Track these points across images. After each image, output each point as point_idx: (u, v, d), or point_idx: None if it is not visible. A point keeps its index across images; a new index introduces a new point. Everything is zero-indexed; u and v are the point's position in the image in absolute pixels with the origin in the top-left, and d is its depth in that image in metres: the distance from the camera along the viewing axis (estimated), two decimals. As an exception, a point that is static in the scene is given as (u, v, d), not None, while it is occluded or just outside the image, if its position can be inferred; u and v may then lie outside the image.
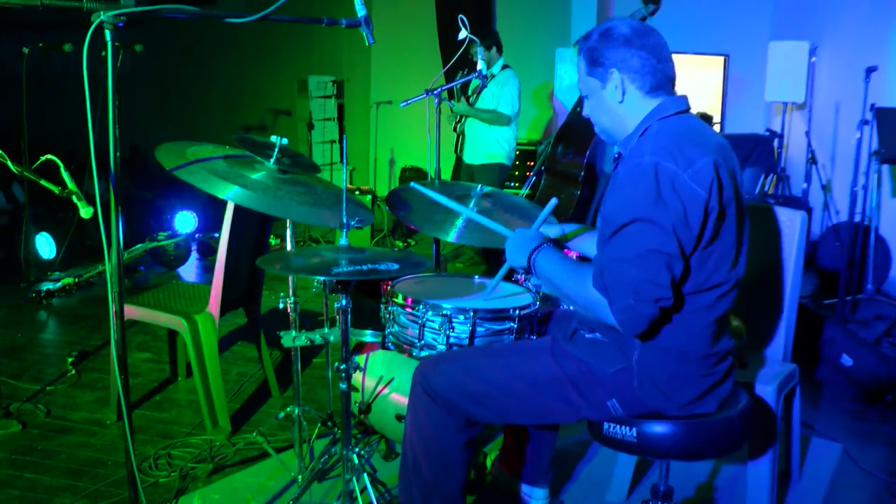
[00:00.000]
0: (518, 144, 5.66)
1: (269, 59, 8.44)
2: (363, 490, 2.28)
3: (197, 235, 5.78)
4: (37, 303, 4.67)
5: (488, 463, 2.62)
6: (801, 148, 5.86)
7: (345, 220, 2.15)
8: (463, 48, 3.54)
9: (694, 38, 6.26)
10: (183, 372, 3.57)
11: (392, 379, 2.40)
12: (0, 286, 4.93)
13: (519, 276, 2.49)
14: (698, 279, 1.73)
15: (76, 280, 4.81)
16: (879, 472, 2.83)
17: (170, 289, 3.33)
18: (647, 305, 1.64)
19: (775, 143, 5.99)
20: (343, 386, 2.19)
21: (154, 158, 2.31)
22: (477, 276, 2.63)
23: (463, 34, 3.23)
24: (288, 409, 2.72)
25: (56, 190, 2.45)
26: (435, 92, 3.18)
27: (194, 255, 5.96)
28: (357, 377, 2.45)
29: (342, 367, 2.18)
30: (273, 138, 2.41)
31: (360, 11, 1.94)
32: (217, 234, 3.17)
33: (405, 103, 3.30)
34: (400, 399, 2.34)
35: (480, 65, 3.55)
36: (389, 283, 2.43)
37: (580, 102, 4.73)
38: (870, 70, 4.46)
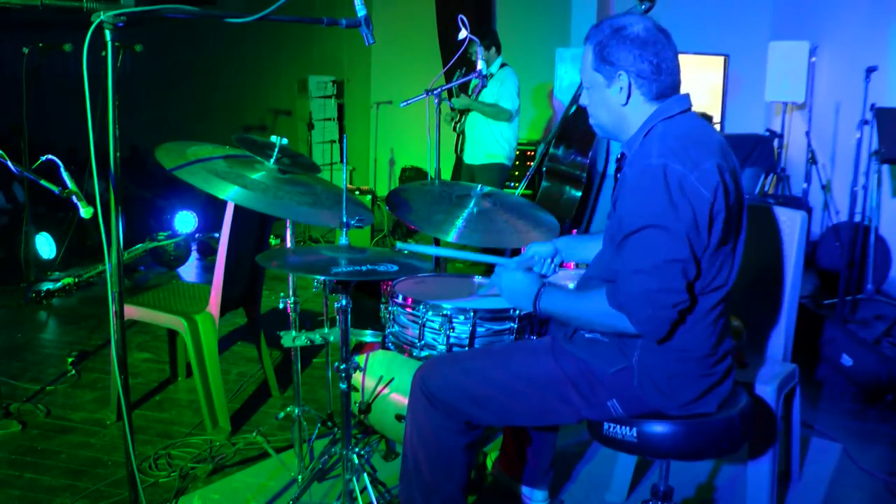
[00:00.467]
0: (518, 144, 5.66)
1: (269, 59, 8.44)
2: (363, 490, 2.28)
3: (197, 235, 5.77)
4: (37, 303, 4.67)
5: (488, 463, 2.62)
6: (801, 148, 5.86)
7: (345, 220, 2.15)
8: (463, 48, 3.54)
9: (694, 38, 6.25)
10: (183, 372, 3.57)
11: (392, 379, 2.40)
12: (0, 286, 4.93)
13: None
14: (704, 281, 1.73)
15: (76, 280, 4.81)
16: (879, 472, 2.83)
17: (170, 289, 3.33)
18: (667, 311, 1.66)
19: (775, 143, 5.99)
20: (343, 386, 2.19)
21: (154, 158, 2.31)
22: (477, 277, 2.63)
23: (463, 34, 3.23)
24: (288, 409, 2.72)
25: (56, 190, 2.44)
26: (435, 92, 3.18)
27: (194, 255, 5.96)
28: (357, 377, 2.45)
29: (342, 367, 2.18)
30: (273, 138, 2.41)
31: (360, 11, 1.94)
32: (217, 234, 3.17)
33: (405, 103, 3.30)
34: (400, 399, 2.34)
35: (480, 64, 3.55)
36: (389, 283, 2.43)
37: (576, 101, 4.72)
38: (870, 70, 4.46)
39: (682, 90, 1.84)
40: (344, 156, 2.52)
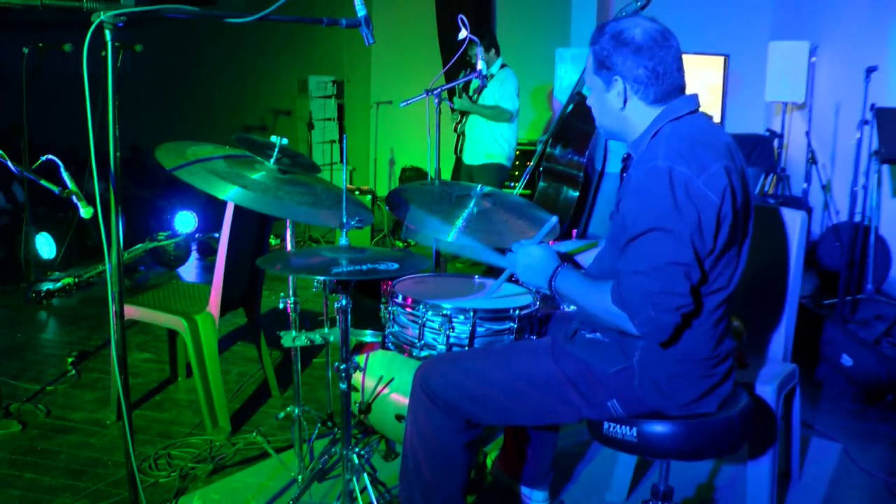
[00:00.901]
0: (518, 144, 5.66)
1: (269, 59, 8.44)
2: (363, 490, 2.28)
3: (197, 235, 5.78)
4: (37, 303, 4.67)
5: (488, 463, 2.62)
6: (801, 148, 5.86)
7: (345, 220, 2.15)
8: (463, 48, 3.54)
9: (694, 38, 6.24)
10: (183, 372, 3.57)
11: (392, 379, 2.40)
12: (0, 286, 4.93)
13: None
14: (707, 283, 1.73)
15: (76, 280, 4.81)
16: (879, 472, 2.83)
17: (170, 289, 3.33)
18: (668, 314, 1.65)
19: (775, 143, 5.99)
20: (343, 386, 2.19)
21: (154, 158, 2.31)
22: (477, 276, 2.63)
23: (463, 34, 3.23)
24: (288, 409, 2.72)
25: (56, 190, 2.44)
26: (435, 92, 3.18)
27: (194, 255, 5.96)
28: (357, 377, 2.45)
29: (342, 367, 2.18)
30: (273, 138, 2.41)
31: (360, 11, 1.94)
32: (217, 234, 3.17)
33: (405, 103, 3.30)
34: (400, 399, 2.34)
35: (480, 65, 3.55)
36: (389, 283, 2.43)
37: (573, 100, 4.73)
38: (870, 70, 4.46)
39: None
40: (344, 156, 2.52)
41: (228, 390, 3.40)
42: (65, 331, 4.30)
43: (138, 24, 1.86)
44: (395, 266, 2.01)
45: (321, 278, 2.16)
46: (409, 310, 2.28)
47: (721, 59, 6.65)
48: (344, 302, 2.12)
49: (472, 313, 2.19)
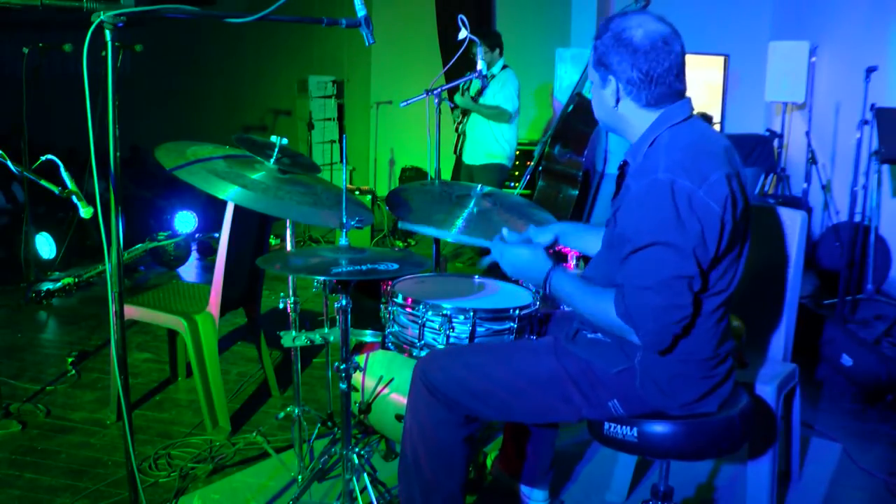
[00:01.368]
0: (519, 145, 5.66)
1: (269, 59, 8.44)
2: (363, 490, 2.28)
3: (197, 235, 5.78)
4: (37, 303, 4.67)
5: (488, 463, 2.62)
6: (801, 148, 5.86)
7: (345, 220, 2.15)
8: (463, 48, 3.54)
9: (694, 38, 6.23)
10: (183, 372, 3.57)
11: (392, 379, 2.40)
12: (0, 286, 4.93)
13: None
14: (707, 286, 1.73)
15: (76, 280, 4.81)
16: (879, 472, 2.83)
17: (170, 289, 3.33)
18: (671, 327, 1.68)
19: (775, 143, 5.99)
20: (343, 386, 2.19)
21: (154, 158, 2.31)
22: (477, 276, 2.63)
23: (463, 34, 3.23)
24: (288, 409, 2.72)
25: (56, 190, 2.44)
26: (435, 92, 3.18)
27: (194, 255, 5.96)
28: (357, 377, 2.45)
29: (342, 367, 2.18)
30: (273, 138, 2.40)
31: (360, 11, 1.94)
32: (217, 234, 3.17)
33: (405, 103, 3.30)
34: (400, 399, 2.34)
35: (481, 65, 3.55)
36: (389, 283, 2.43)
37: (573, 100, 4.73)
38: (870, 70, 4.46)
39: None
40: (344, 156, 2.52)
41: (228, 390, 3.40)
42: (65, 331, 4.30)
43: (138, 24, 1.86)
44: (395, 266, 2.01)
45: (321, 278, 2.16)
46: (409, 310, 2.28)
47: (721, 59, 6.65)
48: (344, 302, 2.12)
49: (472, 313, 2.19)
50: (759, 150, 5.90)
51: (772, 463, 2.39)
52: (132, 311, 3.07)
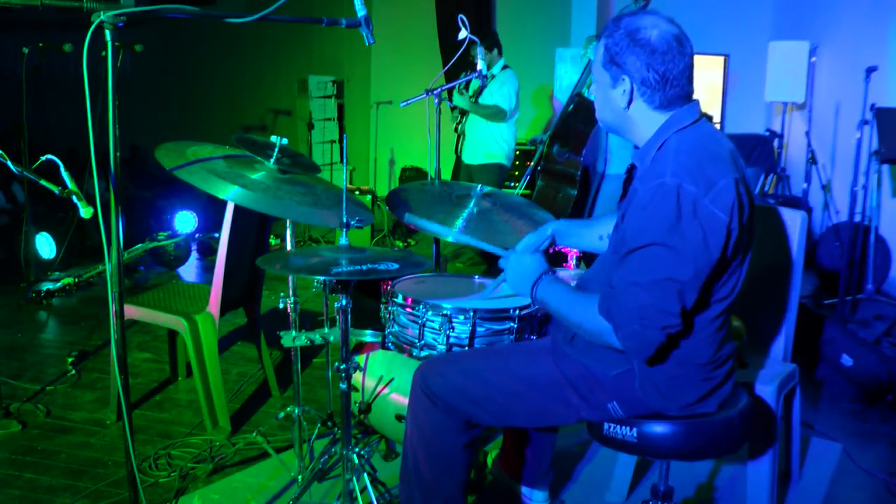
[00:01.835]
0: (518, 144, 5.66)
1: (269, 59, 8.45)
2: (363, 490, 2.28)
3: (197, 235, 5.78)
4: (37, 303, 4.67)
5: (488, 463, 2.62)
6: (801, 148, 5.86)
7: (345, 220, 2.15)
8: (463, 48, 3.54)
9: (694, 38, 6.23)
10: (183, 372, 3.57)
11: (392, 379, 2.40)
12: (0, 286, 4.94)
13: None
14: (708, 293, 1.72)
15: (76, 280, 4.82)
16: (879, 472, 2.83)
17: (170, 289, 3.33)
18: (654, 332, 1.63)
19: (775, 143, 5.99)
20: (343, 386, 2.19)
21: (154, 158, 2.31)
22: (477, 276, 2.63)
23: (463, 34, 3.23)
24: (288, 409, 2.72)
25: (56, 190, 2.44)
26: (435, 92, 3.18)
27: (194, 255, 5.96)
28: (357, 377, 2.45)
29: (342, 367, 2.18)
30: (273, 138, 2.40)
31: (360, 11, 1.94)
32: (217, 234, 3.17)
33: (405, 103, 3.30)
34: (400, 399, 2.34)
35: (480, 65, 3.55)
36: (389, 283, 2.43)
37: (573, 100, 4.73)
38: (870, 70, 4.46)
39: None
40: (344, 156, 2.52)
41: (228, 390, 3.40)
42: (65, 331, 4.30)
43: (138, 24, 1.86)
44: (395, 266, 2.01)
45: (321, 278, 2.16)
46: (409, 310, 2.29)
47: (721, 59, 6.66)
48: (344, 302, 2.12)
49: (472, 313, 2.20)
50: (759, 150, 5.90)
51: (772, 463, 2.39)
52: (132, 311, 3.07)
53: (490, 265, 5.85)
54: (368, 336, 2.49)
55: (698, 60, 1.79)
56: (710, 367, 1.79)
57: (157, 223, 5.77)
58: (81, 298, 4.86)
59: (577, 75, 5.00)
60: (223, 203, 2.65)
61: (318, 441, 2.92)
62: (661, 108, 1.74)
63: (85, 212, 2.37)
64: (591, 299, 1.73)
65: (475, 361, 1.99)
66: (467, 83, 5.50)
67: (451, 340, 2.21)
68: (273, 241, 5.61)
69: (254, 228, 3.16)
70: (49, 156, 2.43)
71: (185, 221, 5.75)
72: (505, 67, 5.25)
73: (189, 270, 5.71)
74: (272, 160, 2.37)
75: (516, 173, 6.96)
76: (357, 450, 2.23)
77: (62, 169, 2.39)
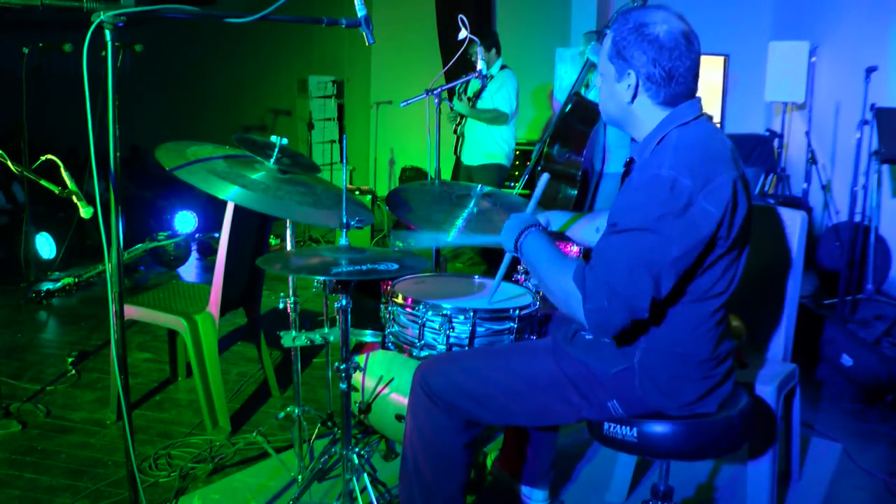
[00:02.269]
0: (518, 144, 5.66)
1: (269, 59, 8.45)
2: (363, 490, 2.28)
3: (197, 235, 5.78)
4: (37, 303, 4.67)
5: (488, 463, 2.62)
6: (801, 148, 5.86)
7: (345, 220, 2.15)
8: (463, 48, 3.54)
9: (694, 38, 6.24)
10: (183, 372, 3.57)
11: (392, 379, 2.40)
12: (0, 286, 4.94)
13: (519, 277, 2.49)
14: (704, 287, 1.72)
15: (76, 280, 4.82)
16: (879, 472, 2.83)
17: (170, 289, 3.33)
18: (620, 313, 1.62)
19: (775, 143, 5.99)
20: (343, 386, 2.19)
21: (154, 158, 2.31)
22: (477, 276, 2.63)
23: (463, 34, 3.23)
24: (288, 409, 2.72)
25: (56, 190, 2.45)
26: (435, 92, 3.18)
27: (194, 255, 5.96)
28: (357, 377, 2.45)
29: (342, 367, 2.18)
30: (273, 138, 2.40)
31: (360, 11, 1.94)
32: (217, 234, 3.17)
33: (405, 103, 3.30)
34: (400, 399, 2.34)
35: (480, 65, 3.55)
36: (389, 283, 2.43)
37: (571, 100, 4.73)
38: (870, 70, 4.46)
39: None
40: (344, 156, 2.52)
41: (228, 390, 3.40)
42: (65, 331, 4.30)
43: (138, 24, 1.86)
44: (395, 266, 2.01)
45: (321, 278, 2.16)
46: (409, 310, 2.29)
47: (721, 59, 6.66)
48: (344, 302, 2.12)
49: (472, 313, 2.20)
50: (759, 150, 5.90)
51: (772, 463, 2.39)
52: (132, 311, 3.07)
53: (490, 265, 5.85)
54: (368, 336, 2.49)
55: (698, 60, 1.79)
56: (710, 364, 1.79)
57: (157, 223, 5.77)
58: (81, 298, 4.86)
59: (577, 75, 5.00)
60: (223, 203, 2.65)
61: (318, 441, 2.92)
62: (664, 103, 1.74)
63: (85, 212, 2.37)
64: (569, 263, 1.72)
65: (476, 360, 1.99)
66: (467, 84, 5.50)
67: (451, 340, 2.21)
68: (273, 241, 5.61)
69: (254, 228, 3.16)
70: (49, 156, 2.43)
71: (185, 221, 5.75)
72: (503, 68, 5.25)
73: (189, 270, 5.71)
74: (272, 160, 2.37)
75: (516, 173, 6.96)
76: (357, 450, 2.23)
77: (62, 169, 2.39)
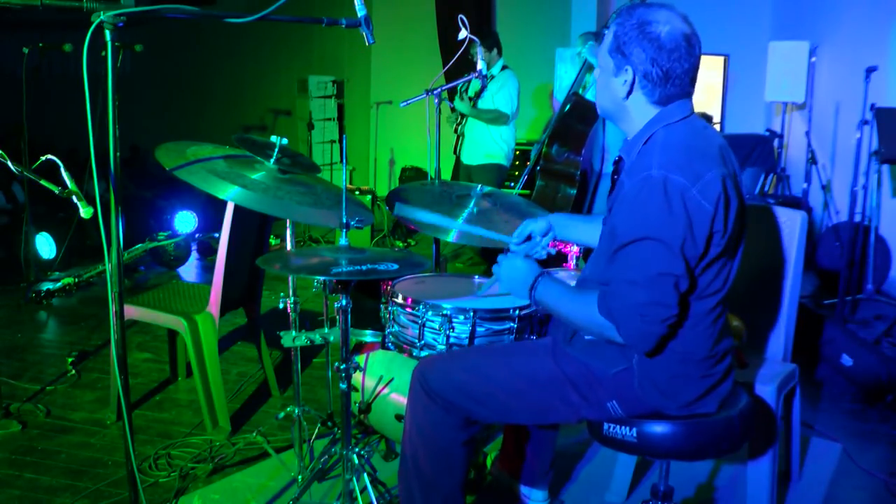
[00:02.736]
0: (517, 145, 5.66)
1: (269, 59, 8.45)
2: (363, 490, 2.28)
3: (197, 235, 5.78)
4: (37, 303, 4.67)
5: (488, 463, 2.62)
6: (801, 148, 5.86)
7: (345, 220, 2.15)
8: (463, 48, 3.55)
9: (694, 38, 6.25)
10: (183, 372, 3.57)
11: (392, 379, 2.40)
12: (0, 286, 4.93)
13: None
14: (701, 286, 1.72)
15: (76, 280, 4.81)
16: (879, 472, 2.83)
17: (170, 289, 3.33)
18: (655, 325, 1.65)
19: (775, 143, 5.99)
20: (343, 386, 2.19)
21: (154, 158, 2.31)
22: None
23: (463, 34, 3.23)
24: (288, 409, 2.72)
25: (56, 190, 2.44)
26: (435, 92, 3.18)
27: (194, 255, 5.96)
28: (357, 377, 2.45)
29: (342, 367, 2.18)
30: (273, 138, 2.41)
31: (360, 11, 1.94)
32: (217, 234, 3.17)
33: (405, 103, 3.30)
34: (400, 399, 2.34)
35: (480, 65, 3.55)
36: (389, 283, 2.43)
37: (570, 100, 4.73)
38: (870, 70, 4.46)
39: None
40: (344, 156, 2.52)
41: (228, 390, 3.40)
42: (65, 331, 4.30)
43: (138, 24, 1.86)
44: (395, 266, 2.01)
45: (321, 278, 2.16)
46: (409, 310, 2.29)
47: (721, 59, 6.65)
48: (344, 302, 2.12)
49: (472, 313, 2.20)
50: (759, 150, 5.90)
51: (772, 463, 2.39)
52: (132, 311, 3.07)
53: (490, 265, 5.84)
54: (368, 336, 2.50)
55: (698, 60, 1.79)
56: (709, 362, 1.79)
57: (157, 223, 5.77)
58: (81, 298, 4.86)
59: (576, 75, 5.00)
60: (223, 203, 2.65)
61: (318, 441, 2.92)
62: (657, 103, 1.74)
63: (85, 212, 2.37)
64: (590, 298, 1.73)
65: (475, 359, 1.99)
66: (467, 84, 5.50)
67: (451, 340, 2.21)
68: (273, 241, 5.61)
69: (254, 228, 3.16)
70: (49, 156, 2.43)
71: (185, 221, 5.75)
72: (504, 68, 5.25)
73: (189, 270, 5.71)
74: (272, 160, 2.37)
75: (516, 173, 6.96)
76: (357, 450, 2.24)
77: (62, 169, 2.39)
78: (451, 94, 5.63)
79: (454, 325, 2.20)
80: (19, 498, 2.55)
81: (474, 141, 5.32)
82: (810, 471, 2.83)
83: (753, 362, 2.52)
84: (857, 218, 4.58)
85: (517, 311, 2.23)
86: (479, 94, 5.26)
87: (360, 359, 2.51)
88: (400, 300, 2.32)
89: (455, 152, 5.61)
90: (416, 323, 2.26)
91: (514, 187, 6.77)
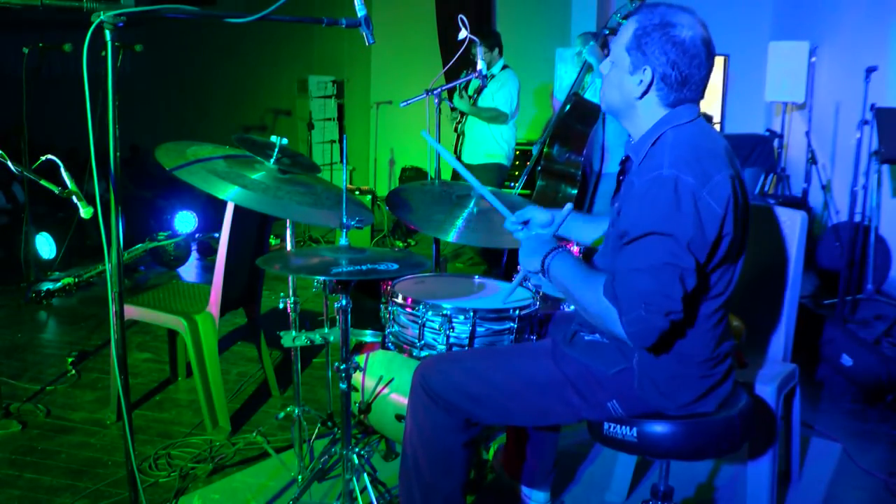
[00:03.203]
0: (517, 144, 5.66)
1: (269, 59, 8.45)
2: (363, 490, 2.28)
3: (197, 235, 5.78)
4: (37, 303, 4.67)
5: (489, 456, 2.61)
6: (801, 148, 5.86)
7: (345, 220, 2.15)
8: (463, 48, 3.54)
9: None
10: (183, 372, 3.57)
11: (392, 379, 2.40)
12: (0, 286, 4.93)
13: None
14: (704, 289, 1.72)
15: (76, 280, 4.82)
16: (879, 472, 2.83)
17: (170, 289, 3.33)
18: (658, 318, 1.62)
19: (775, 143, 5.99)
20: (343, 386, 2.19)
21: (154, 158, 2.31)
22: (477, 276, 2.63)
23: (463, 34, 3.23)
24: (288, 409, 2.72)
25: (56, 190, 2.44)
26: (435, 92, 3.18)
27: (194, 255, 5.96)
28: (357, 377, 2.45)
29: (342, 367, 2.18)
30: (273, 138, 2.41)
31: (360, 11, 1.94)
32: (217, 234, 3.17)
33: (405, 103, 3.30)
34: (400, 399, 2.34)
35: (481, 65, 3.55)
36: (389, 283, 2.43)
37: (570, 100, 4.73)
38: (870, 70, 4.46)
39: None
40: (344, 156, 2.52)
41: (228, 390, 3.40)
42: (65, 331, 4.30)
43: (138, 24, 1.86)
44: (395, 266, 2.01)
45: (321, 278, 2.16)
46: (409, 310, 2.29)
47: (721, 59, 6.65)
48: (344, 302, 2.12)
49: (472, 313, 2.20)
50: (759, 150, 5.90)
51: (772, 463, 2.39)
52: (132, 311, 3.07)
53: (490, 265, 5.85)
54: (368, 336, 2.50)
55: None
56: (709, 364, 1.79)
57: (157, 223, 5.77)
58: (81, 298, 4.86)
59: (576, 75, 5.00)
60: (223, 203, 2.65)
61: (318, 441, 2.92)
62: (668, 105, 1.74)
63: (85, 212, 2.37)
64: (599, 280, 1.72)
65: (476, 360, 1.99)
66: (467, 83, 5.49)
67: (451, 340, 2.21)
68: (273, 241, 5.61)
69: (254, 228, 3.16)
70: (49, 156, 2.43)
71: (185, 221, 5.75)
72: (505, 67, 5.25)
73: (189, 270, 5.71)
74: (272, 160, 2.37)
75: (516, 173, 6.96)
76: (357, 450, 2.24)
77: (62, 169, 2.39)
78: (451, 93, 5.62)
79: (454, 325, 2.20)
80: (19, 498, 2.55)
81: (474, 140, 5.32)
82: (810, 471, 2.83)
83: (753, 362, 2.52)
84: (857, 218, 4.58)
85: (517, 312, 2.23)
86: (479, 93, 5.26)
87: (360, 359, 2.51)
88: (400, 300, 2.32)
89: (455, 152, 5.61)
90: (416, 323, 2.26)
91: (514, 187, 6.77)
